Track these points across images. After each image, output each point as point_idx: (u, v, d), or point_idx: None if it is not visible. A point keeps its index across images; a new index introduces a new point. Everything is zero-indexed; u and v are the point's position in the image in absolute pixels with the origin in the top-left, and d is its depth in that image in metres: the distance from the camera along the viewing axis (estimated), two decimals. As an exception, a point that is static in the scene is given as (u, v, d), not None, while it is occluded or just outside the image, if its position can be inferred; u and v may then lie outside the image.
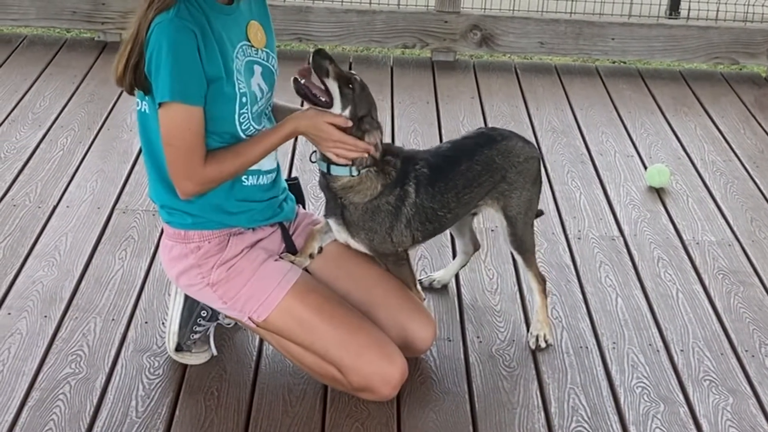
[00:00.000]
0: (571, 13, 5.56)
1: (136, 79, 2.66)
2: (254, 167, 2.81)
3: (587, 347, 3.17)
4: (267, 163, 2.86)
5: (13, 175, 4.03)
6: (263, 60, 2.82)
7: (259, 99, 2.80)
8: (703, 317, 3.35)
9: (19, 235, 3.60)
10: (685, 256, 3.70)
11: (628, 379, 3.03)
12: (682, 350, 3.18)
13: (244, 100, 2.74)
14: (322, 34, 5.47)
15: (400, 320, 2.90)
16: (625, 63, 5.63)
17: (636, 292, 3.47)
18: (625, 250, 3.72)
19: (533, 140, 4.59)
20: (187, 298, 2.93)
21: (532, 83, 5.25)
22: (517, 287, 3.45)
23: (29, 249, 3.52)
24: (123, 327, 3.13)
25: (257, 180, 2.86)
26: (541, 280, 3.16)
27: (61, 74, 5.01)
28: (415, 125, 4.68)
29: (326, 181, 2.85)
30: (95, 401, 2.81)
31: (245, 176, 2.82)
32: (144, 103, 2.74)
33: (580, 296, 3.43)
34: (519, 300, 3.39)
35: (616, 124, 4.83)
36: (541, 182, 3.15)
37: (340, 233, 2.90)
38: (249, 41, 2.78)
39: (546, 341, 3.13)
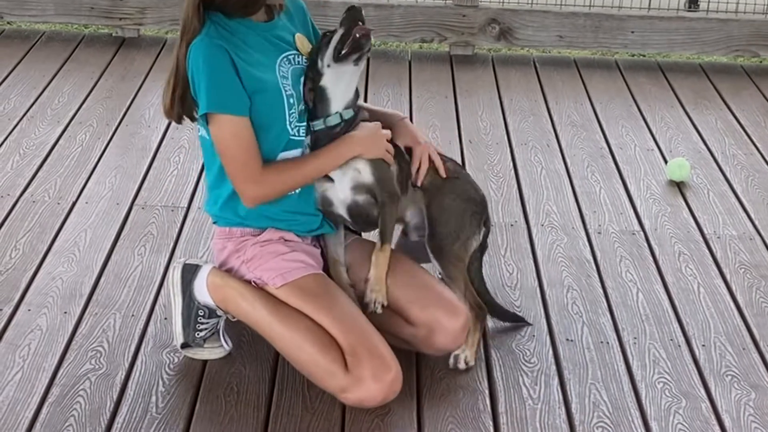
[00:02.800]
0: (590, 6, 5.53)
1: (184, 109, 2.82)
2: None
3: (608, 342, 3.15)
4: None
5: (33, 171, 4.03)
6: None
7: (299, 102, 2.90)
8: (724, 312, 3.33)
9: (38, 231, 3.61)
10: (707, 251, 3.68)
11: (649, 375, 3.01)
12: (703, 345, 3.16)
13: (291, 101, 2.85)
14: (340, 28, 5.45)
15: (432, 314, 2.89)
16: (644, 56, 5.60)
17: (657, 286, 3.45)
18: (645, 245, 3.70)
19: (552, 134, 4.58)
20: (184, 298, 2.94)
21: (551, 77, 5.23)
22: (537, 282, 3.44)
23: (49, 245, 3.52)
24: (143, 323, 3.13)
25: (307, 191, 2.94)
26: (476, 306, 3.00)
27: (80, 70, 5.02)
28: (433, 120, 4.67)
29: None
30: (115, 397, 2.81)
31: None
32: (201, 128, 2.88)
33: (601, 291, 3.41)
34: (539, 295, 3.37)
35: (636, 117, 4.80)
36: (481, 227, 3.07)
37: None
38: (297, 50, 2.90)
39: (466, 363, 2.97)
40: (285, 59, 2.87)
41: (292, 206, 2.92)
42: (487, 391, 2.92)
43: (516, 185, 4.10)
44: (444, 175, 3.00)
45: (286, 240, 2.92)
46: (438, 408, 2.84)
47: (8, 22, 5.55)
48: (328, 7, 5.41)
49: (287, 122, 2.85)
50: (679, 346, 3.15)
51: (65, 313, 3.17)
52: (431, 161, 3.01)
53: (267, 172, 2.81)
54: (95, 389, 2.84)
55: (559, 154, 4.39)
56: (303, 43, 2.93)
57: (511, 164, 4.28)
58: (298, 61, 2.89)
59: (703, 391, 2.95)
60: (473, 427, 2.78)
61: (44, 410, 2.76)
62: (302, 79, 2.88)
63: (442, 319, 2.89)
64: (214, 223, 3.00)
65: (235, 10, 2.80)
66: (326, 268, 2.98)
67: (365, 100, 4.81)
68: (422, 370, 2.99)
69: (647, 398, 2.91)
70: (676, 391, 2.95)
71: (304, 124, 2.90)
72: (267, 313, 2.83)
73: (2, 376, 2.88)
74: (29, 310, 3.17)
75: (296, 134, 2.88)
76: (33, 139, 4.31)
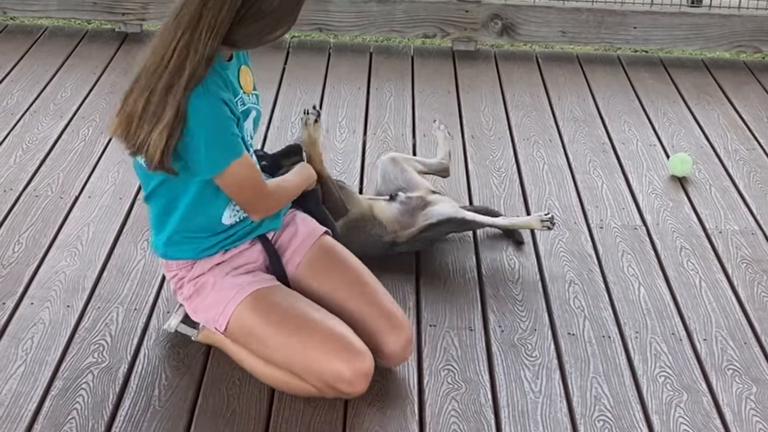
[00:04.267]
0: (592, 1, 5.52)
1: (169, 160, 2.64)
2: (242, 215, 2.88)
3: (610, 336, 3.16)
4: None
5: (35, 165, 4.04)
6: (254, 104, 2.87)
7: (248, 142, 2.84)
8: (726, 306, 3.33)
9: (41, 225, 3.62)
10: (708, 245, 3.68)
11: (650, 369, 3.02)
12: (705, 339, 3.16)
13: (247, 145, 2.81)
14: (342, 23, 5.46)
15: (373, 328, 2.86)
16: (647, 52, 5.60)
17: (659, 281, 3.46)
18: (647, 240, 3.71)
19: (555, 130, 4.58)
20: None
21: (554, 72, 5.23)
22: (539, 276, 3.44)
23: (51, 239, 3.53)
24: (145, 316, 3.14)
25: (241, 226, 2.91)
26: None
27: (82, 65, 5.03)
28: (436, 115, 4.67)
29: None
30: (118, 390, 2.82)
31: (232, 228, 2.88)
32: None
33: (603, 285, 3.41)
34: (541, 289, 3.38)
35: (639, 113, 4.81)
36: None
37: None
38: (242, 88, 2.80)
39: None
40: (240, 99, 2.79)
41: (225, 233, 2.87)
42: (488, 385, 2.92)
43: (518, 180, 4.10)
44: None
45: (215, 265, 2.87)
46: (440, 401, 2.85)
47: (11, 18, 5.55)
48: (330, 2, 5.42)
49: None
50: (681, 340, 3.15)
51: (68, 306, 3.17)
52: None
53: (272, 191, 2.85)
54: (98, 382, 2.85)
55: (562, 149, 4.39)
56: (246, 76, 2.83)
57: (514, 159, 4.28)
58: (245, 100, 2.81)
59: (704, 384, 2.96)
60: (475, 420, 2.79)
61: (47, 403, 2.77)
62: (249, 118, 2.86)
63: (385, 337, 2.86)
64: (164, 258, 2.93)
65: (248, 45, 2.73)
66: (272, 259, 2.95)
67: (368, 96, 4.83)
68: (424, 363, 3.00)
69: (648, 392, 2.92)
70: (678, 385, 2.95)
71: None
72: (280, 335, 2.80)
73: (5, 370, 2.89)
74: (32, 303, 3.18)
75: None
76: (36, 133, 4.32)
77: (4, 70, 4.92)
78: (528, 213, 3.83)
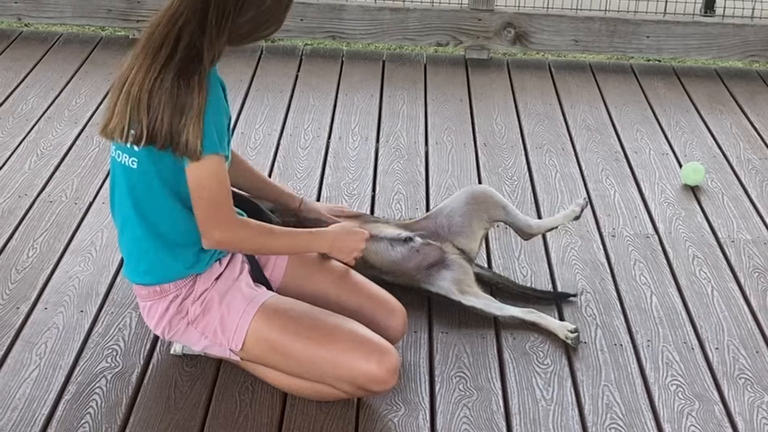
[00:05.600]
0: (605, 10, 5.53)
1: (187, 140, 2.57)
2: None
3: (621, 345, 3.16)
4: None
5: (50, 171, 4.06)
6: None
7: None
8: (738, 315, 3.33)
9: (55, 230, 3.63)
10: (721, 255, 3.68)
11: (662, 377, 3.02)
12: (717, 348, 3.16)
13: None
14: (356, 31, 5.47)
15: (375, 319, 2.89)
16: (659, 61, 5.60)
17: (671, 290, 3.46)
18: (659, 248, 3.71)
19: (567, 138, 4.58)
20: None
21: (566, 81, 5.23)
22: (551, 285, 3.44)
23: (66, 244, 3.54)
24: (158, 322, 3.15)
25: None
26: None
27: (97, 72, 5.05)
28: (448, 123, 4.68)
29: None
30: (131, 395, 2.83)
31: None
32: (132, 158, 2.69)
33: (615, 294, 3.42)
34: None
35: (651, 122, 4.81)
36: None
37: None
38: None
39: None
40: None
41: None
42: (500, 392, 2.93)
43: (530, 188, 4.11)
44: None
45: (215, 279, 2.81)
46: (452, 408, 2.85)
47: (26, 24, 5.58)
48: (344, 10, 5.44)
49: None
50: (693, 348, 3.15)
51: (81, 311, 3.19)
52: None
53: (241, 225, 2.71)
54: (111, 387, 2.86)
55: (574, 158, 4.39)
56: None
57: (526, 167, 4.29)
58: None
59: (716, 393, 2.96)
60: (486, 427, 2.79)
61: (60, 408, 2.78)
62: None
63: (386, 323, 2.89)
64: (138, 284, 2.84)
65: (237, 40, 2.67)
66: (253, 268, 2.91)
67: (381, 104, 4.84)
68: (436, 370, 3.00)
69: (660, 400, 2.92)
70: (690, 394, 2.95)
71: None
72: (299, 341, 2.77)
73: (19, 374, 2.90)
74: (46, 308, 3.20)
75: None
76: (50, 139, 4.34)
77: (19, 77, 4.94)
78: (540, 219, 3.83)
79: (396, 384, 2.78)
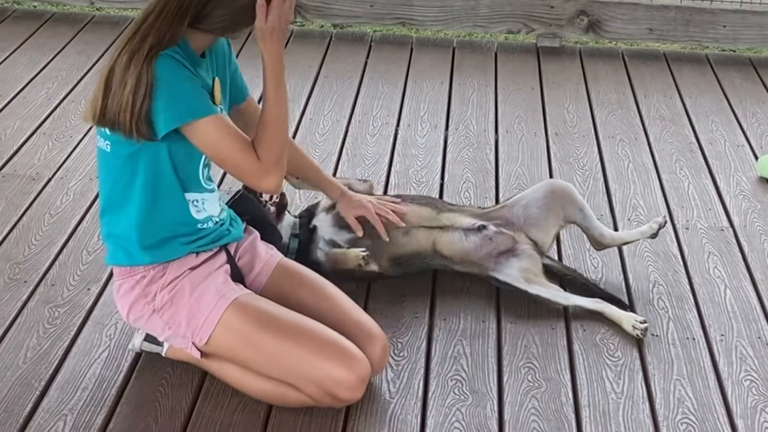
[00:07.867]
0: (681, -1, 5.45)
1: (147, 127, 2.58)
2: (206, 214, 2.76)
3: (694, 338, 3.10)
4: (216, 210, 2.82)
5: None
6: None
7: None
8: (815, 311, 3.26)
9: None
10: (797, 249, 3.61)
11: (736, 372, 2.96)
12: (793, 344, 3.10)
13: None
14: (426, 18, 5.44)
15: (350, 337, 2.75)
16: (735, 51, 5.50)
17: (745, 283, 3.39)
18: (734, 241, 3.64)
19: (641, 128, 4.52)
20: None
21: (640, 70, 5.16)
22: (622, 276, 3.39)
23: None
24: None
25: (211, 224, 2.80)
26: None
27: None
28: (519, 111, 4.63)
29: None
30: (199, 377, 2.84)
31: (200, 223, 2.76)
32: (106, 142, 2.68)
33: (688, 287, 3.36)
34: (624, 289, 3.33)
35: (726, 112, 4.72)
36: None
37: None
38: (213, 95, 2.73)
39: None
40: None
41: (197, 234, 2.76)
42: (569, 384, 2.89)
43: (602, 178, 4.05)
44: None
45: (189, 268, 2.74)
46: (520, 398, 2.82)
47: (98, 8, 5.62)
48: None
49: (200, 174, 2.73)
50: (767, 344, 3.09)
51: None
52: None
53: (269, 157, 2.63)
54: (179, 369, 2.86)
55: (647, 148, 4.33)
56: (216, 88, 2.75)
57: (598, 157, 4.23)
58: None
59: (791, 390, 2.90)
60: (555, 419, 2.76)
61: (129, 388, 2.79)
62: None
63: (363, 348, 2.73)
64: (113, 264, 2.79)
65: (219, 30, 2.65)
66: (233, 270, 2.84)
67: (450, 92, 4.81)
68: (504, 360, 2.97)
69: (733, 396, 2.86)
70: (764, 389, 2.89)
71: (213, 186, 2.81)
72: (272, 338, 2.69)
73: (90, 354, 2.92)
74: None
75: (206, 186, 2.77)
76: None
77: (91, 60, 4.97)
78: (612, 211, 3.79)
79: (362, 396, 2.70)
